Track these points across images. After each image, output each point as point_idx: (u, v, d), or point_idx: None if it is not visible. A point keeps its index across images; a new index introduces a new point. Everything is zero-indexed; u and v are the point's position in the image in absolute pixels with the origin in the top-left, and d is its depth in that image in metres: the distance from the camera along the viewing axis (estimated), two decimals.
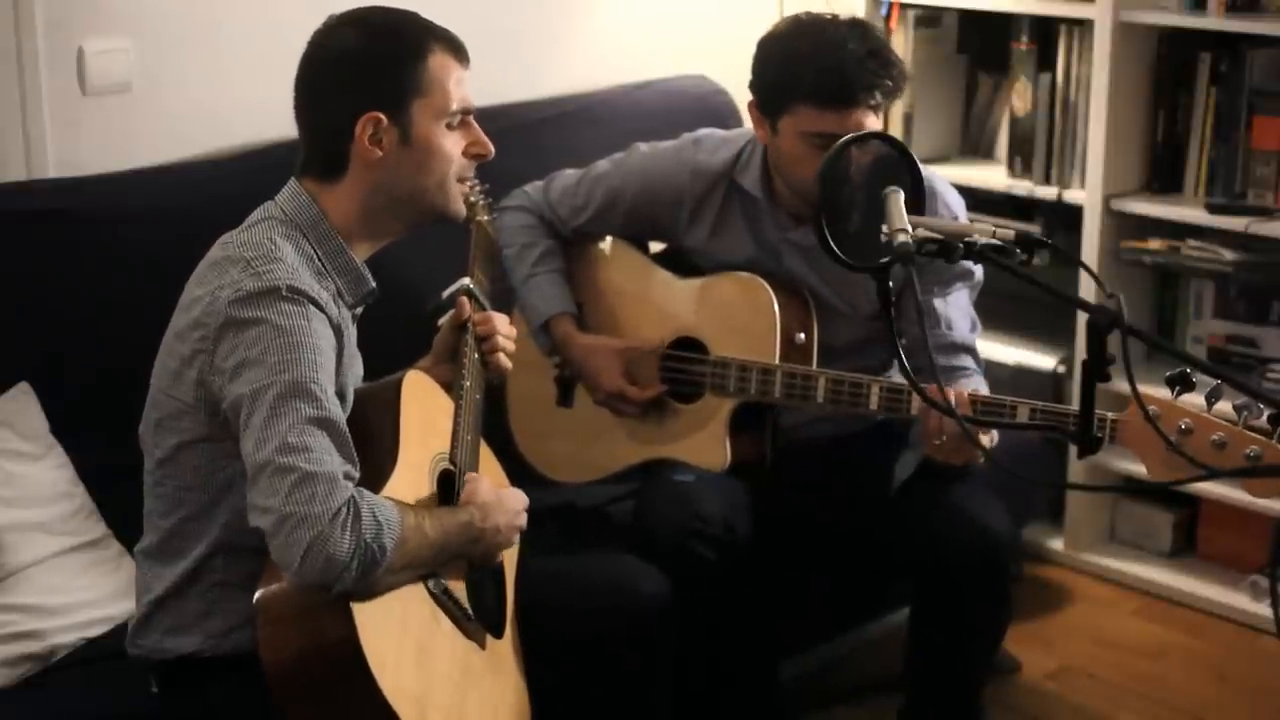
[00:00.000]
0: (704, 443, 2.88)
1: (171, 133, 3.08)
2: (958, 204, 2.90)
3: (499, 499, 2.27)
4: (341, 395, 2.18)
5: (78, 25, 2.96)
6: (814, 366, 2.82)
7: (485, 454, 2.44)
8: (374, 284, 2.29)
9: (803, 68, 2.71)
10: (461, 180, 2.31)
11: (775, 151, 2.82)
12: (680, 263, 3.01)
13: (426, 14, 2.31)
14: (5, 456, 2.65)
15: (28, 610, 2.56)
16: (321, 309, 2.13)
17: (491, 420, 2.45)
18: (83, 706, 2.46)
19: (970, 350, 2.92)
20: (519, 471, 2.74)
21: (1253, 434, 2.26)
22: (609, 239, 3.07)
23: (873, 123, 2.70)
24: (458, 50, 2.28)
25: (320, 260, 2.23)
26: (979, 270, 2.90)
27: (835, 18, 2.80)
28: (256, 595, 2.08)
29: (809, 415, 2.91)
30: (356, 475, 2.06)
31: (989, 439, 2.63)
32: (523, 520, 2.31)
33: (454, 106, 2.26)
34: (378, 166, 2.23)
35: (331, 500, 1.98)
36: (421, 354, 2.49)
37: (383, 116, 2.21)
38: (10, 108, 2.90)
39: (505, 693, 2.29)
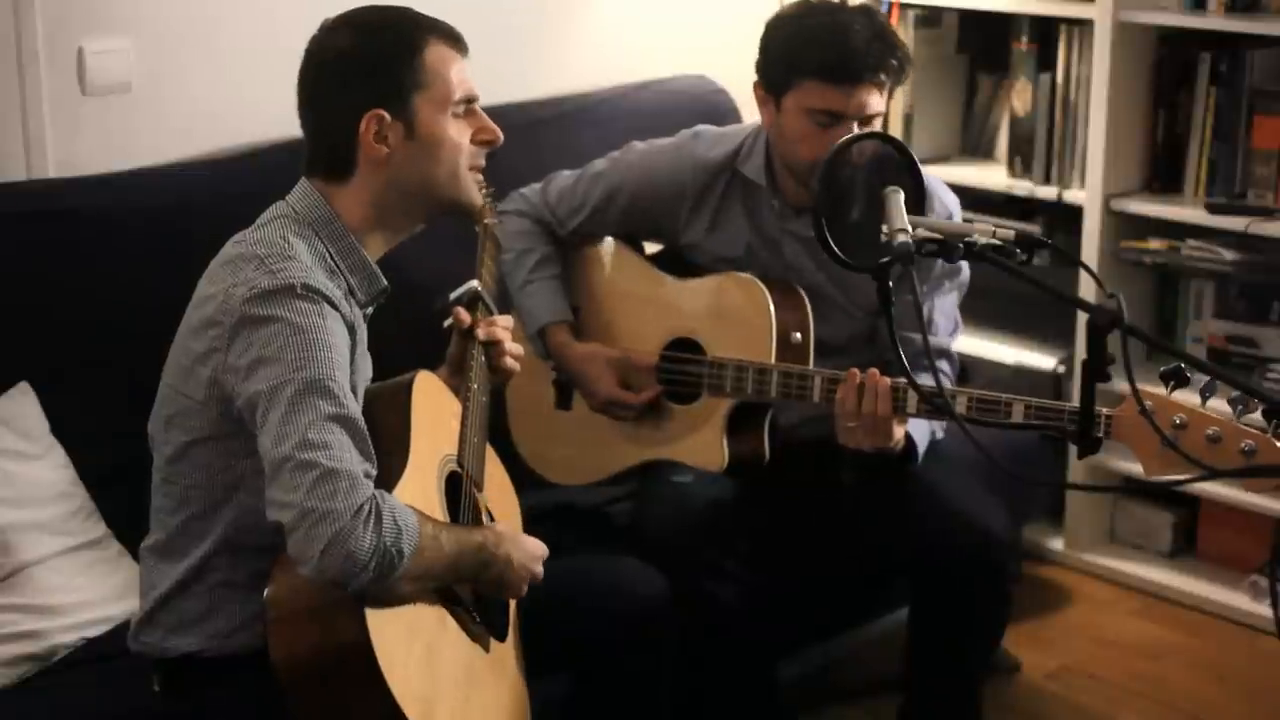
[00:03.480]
0: (702, 443, 2.87)
1: (171, 133, 3.08)
2: (953, 203, 2.92)
3: (515, 535, 2.28)
4: (352, 393, 2.18)
5: (78, 25, 2.96)
6: (810, 365, 2.82)
7: (490, 457, 2.44)
8: (386, 282, 2.28)
9: (810, 44, 2.75)
10: (474, 168, 2.30)
11: (778, 131, 2.83)
12: (677, 263, 3.01)
13: (426, 13, 2.30)
14: (5, 456, 2.65)
15: (28, 610, 2.56)
16: (335, 307, 2.13)
17: (491, 423, 2.45)
18: (83, 706, 2.45)
19: (946, 354, 2.97)
20: (518, 474, 2.73)
21: (1247, 428, 2.26)
22: (605, 241, 3.07)
23: (876, 102, 2.73)
24: (455, 40, 2.27)
25: (332, 258, 2.22)
26: (966, 270, 2.91)
27: (843, 2, 2.84)
28: (267, 591, 2.07)
29: (806, 414, 2.91)
30: (374, 474, 2.06)
31: (903, 428, 2.70)
32: (538, 568, 2.28)
33: (457, 96, 2.25)
34: (386, 164, 2.22)
35: (353, 497, 1.98)
36: (429, 355, 2.47)
37: (385, 114, 2.20)
38: (10, 108, 2.90)
39: (507, 695, 2.29)
